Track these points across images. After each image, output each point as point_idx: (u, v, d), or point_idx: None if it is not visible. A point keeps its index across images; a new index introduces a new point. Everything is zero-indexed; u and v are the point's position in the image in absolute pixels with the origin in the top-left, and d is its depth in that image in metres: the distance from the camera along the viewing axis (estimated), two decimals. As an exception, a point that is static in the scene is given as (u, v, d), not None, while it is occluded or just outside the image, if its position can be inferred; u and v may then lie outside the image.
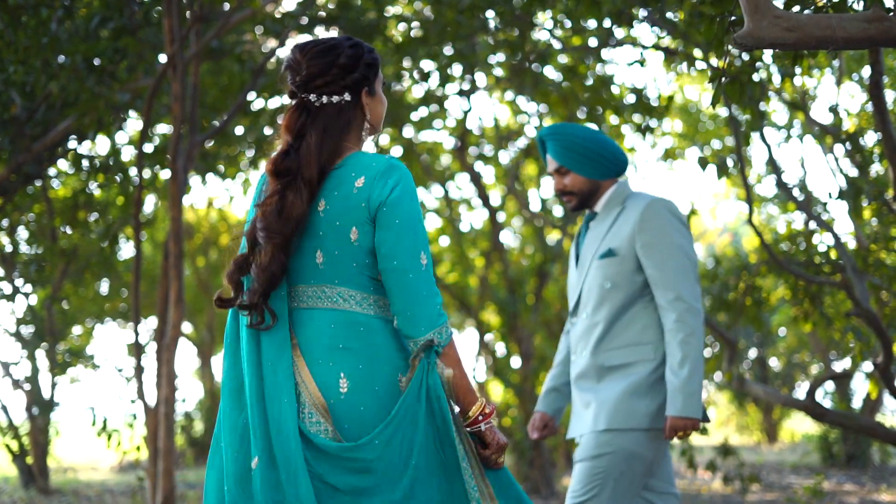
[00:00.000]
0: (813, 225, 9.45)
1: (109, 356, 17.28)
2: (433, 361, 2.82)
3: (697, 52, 8.49)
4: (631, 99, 9.37)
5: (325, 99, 2.96)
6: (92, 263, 10.21)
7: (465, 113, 11.19)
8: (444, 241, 13.57)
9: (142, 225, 7.67)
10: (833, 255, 8.20)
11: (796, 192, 10.66)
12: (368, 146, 3.16)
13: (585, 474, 4.22)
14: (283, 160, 2.94)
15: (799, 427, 21.55)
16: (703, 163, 7.23)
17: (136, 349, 7.59)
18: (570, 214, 11.41)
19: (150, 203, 12.94)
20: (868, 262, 7.67)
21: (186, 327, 16.29)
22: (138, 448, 9.22)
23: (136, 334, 7.61)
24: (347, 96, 2.98)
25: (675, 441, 12.85)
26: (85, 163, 8.91)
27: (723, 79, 3.17)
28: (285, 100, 3.07)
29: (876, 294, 8.07)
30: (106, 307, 14.21)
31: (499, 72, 10.32)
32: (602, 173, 4.44)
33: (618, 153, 4.44)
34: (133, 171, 9.02)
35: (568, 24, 8.78)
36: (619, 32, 8.97)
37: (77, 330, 13.92)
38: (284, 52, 8.66)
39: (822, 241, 8.54)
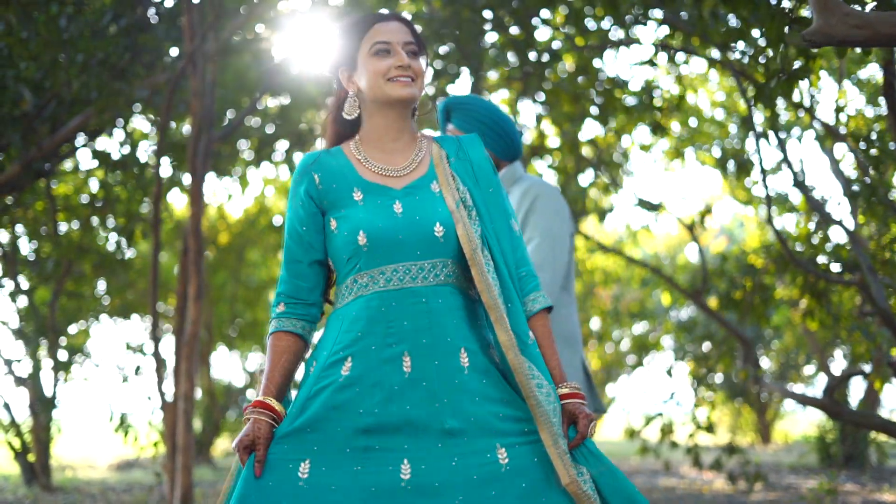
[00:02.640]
0: (813, 225, 9.55)
1: (109, 353, 17.26)
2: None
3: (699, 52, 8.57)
4: (636, 99, 9.44)
5: None
6: (107, 260, 10.20)
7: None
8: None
9: (160, 222, 7.66)
10: (843, 254, 8.26)
11: (799, 192, 10.75)
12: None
13: None
14: None
15: (793, 429, 21.67)
16: (723, 162, 7.27)
17: (155, 346, 7.59)
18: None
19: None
20: (879, 262, 7.74)
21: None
22: (156, 444, 9.21)
23: (156, 335, 7.60)
24: (335, 85, 3.09)
25: (681, 440, 12.96)
26: (91, 159, 8.91)
27: (780, 76, 3.20)
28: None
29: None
30: (105, 305, 14.19)
31: (493, 75, 10.38)
32: (502, 152, 4.35)
33: (518, 136, 4.36)
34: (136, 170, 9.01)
35: (574, 23, 8.82)
36: (619, 33, 9.05)
37: (73, 328, 13.85)
38: (294, 50, 8.68)
39: (833, 240, 8.60)
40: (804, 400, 7.40)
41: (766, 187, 7.39)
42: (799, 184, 7.48)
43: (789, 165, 7.37)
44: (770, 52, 7.05)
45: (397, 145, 3.02)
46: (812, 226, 9.10)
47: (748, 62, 7.42)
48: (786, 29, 3.11)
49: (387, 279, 2.86)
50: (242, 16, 7.59)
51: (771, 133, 7.66)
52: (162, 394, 7.48)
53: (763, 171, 7.36)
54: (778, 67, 3.23)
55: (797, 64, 7.25)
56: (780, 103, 10.03)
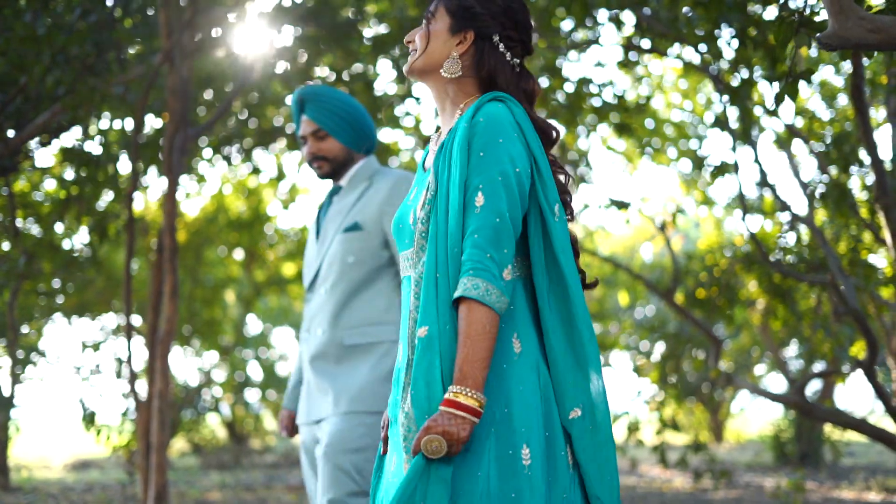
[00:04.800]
0: (781, 227, 9.68)
1: (68, 352, 17.07)
2: None
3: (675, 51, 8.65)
4: (603, 99, 9.51)
5: None
6: (76, 259, 10.10)
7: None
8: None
9: (135, 220, 7.59)
10: (809, 254, 8.39)
11: (761, 192, 10.88)
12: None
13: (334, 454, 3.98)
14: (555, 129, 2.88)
15: (744, 428, 21.92)
16: (697, 162, 7.33)
17: (128, 345, 7.53)
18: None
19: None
20: (847, 262, 7.87)
21: (137, 322, 16.08)
22: (128, 443, 9.14)
23: (129, 334, 7.54)
24: None
25: (645, 439, 13.09)
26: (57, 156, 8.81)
27: (788, 78, 3.26)
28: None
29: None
30: (60, 303, 14.04)
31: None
32: (358, 144, 4.33)
33: (373, 129, 4.36)
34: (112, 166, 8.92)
35: (542, 24, 8.86)
36: (584, 34, 9.11)
37: (32, 327, 13.70)
38: (271, 49, 8.63)
39: (796, 241, 8.74)
40: (776, 398, 7.50)
41: (741, 188, 7.48)
42: (768, 184, 7.58)
43: (760, 166, 7.47)
44: (729, 51, 7.17)
45: (443, 121, 2.89)
46: (779, 226, 9.24)
47: (704, 61, 7.50)
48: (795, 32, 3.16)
49: (398, 269, 2.88)
50: (218, 12, 7.55)
51: (732, 134, 7.74)
52: (135, 392, 7.43)
53: (738, 172, 7.45)
54: (786, 70, 3.29)
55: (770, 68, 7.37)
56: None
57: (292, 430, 4.44)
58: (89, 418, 8.71)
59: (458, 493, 2.50)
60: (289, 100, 10.93)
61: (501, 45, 2.81)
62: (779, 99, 3.24)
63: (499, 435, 2.55)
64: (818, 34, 2.86)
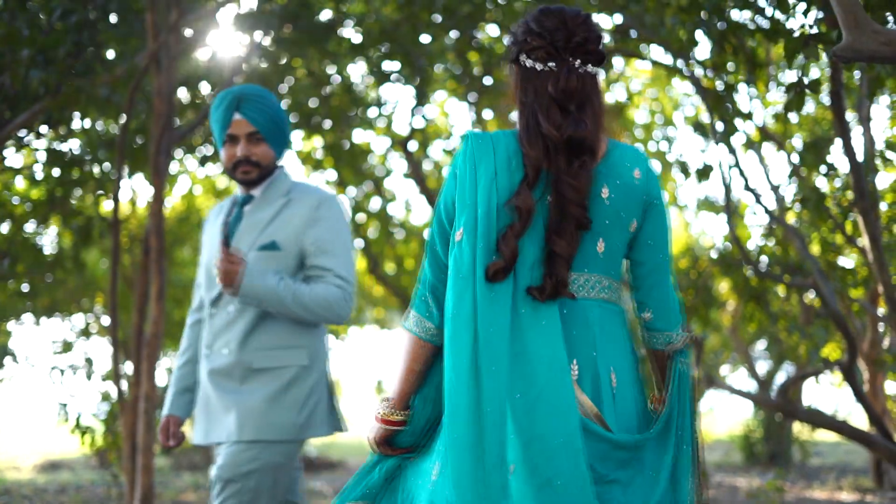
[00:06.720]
0: (754, 230, 9.79)
1: (39, 353, 16.94)
2: (689, 360, 2.78)
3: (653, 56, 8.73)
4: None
5: (590, 68, 2.71)
6: (64, 258, 10.03)
7: (412, 111, 11.14)
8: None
9: (119, 222, 7.58)
10: (784, 257, 8.48)
11: (745, 197, 11.00)
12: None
13: (234, 493, 3.86)
14: (579, 127, 2.65)
15: (712, 428, 22.07)
16: (684, 168, 7.40)
17: (114, 347, 7.52)
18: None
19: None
20: (824, 265, 7.96)
21: (105, 322, 15.97)
22: (113, 443, 9.12)
23: (114, 336, 7.52)
24: (599, 72, 2.77)
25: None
26: (43, 155, 8.76)
27: (797, 90, 3.32)
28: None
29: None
30: (29, 304, 13.93)
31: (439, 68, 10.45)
32: (281, 154, 4.17)
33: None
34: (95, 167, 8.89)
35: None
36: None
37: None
38: (250, 51, 8.63)
39: (774, 243, 8.83)
40: (757, 399, 7.59)
41: (727, 193, 7.55)
42: (749, 189, 7.66)
43: (741, 171, 7.54)
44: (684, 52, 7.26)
45: None
46: (756, 229, 9.33)
47: (688, 67, 7.58)
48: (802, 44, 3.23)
49: None
50: (200, 14, 7.55)
51: (715, 138, 7.82)
52: (121, 393, 7.43)
53: (724, 177, 7.53)
54: (798, 81, 3.35)
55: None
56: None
57: (178, 437, 4.16)
58: (76, 420, 8.70)
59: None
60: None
61: (528, 61, 2.72)
62: (787, 109, 3.31)
63: (434, 450, 2.75)
64: (833, 47, 2.93)
